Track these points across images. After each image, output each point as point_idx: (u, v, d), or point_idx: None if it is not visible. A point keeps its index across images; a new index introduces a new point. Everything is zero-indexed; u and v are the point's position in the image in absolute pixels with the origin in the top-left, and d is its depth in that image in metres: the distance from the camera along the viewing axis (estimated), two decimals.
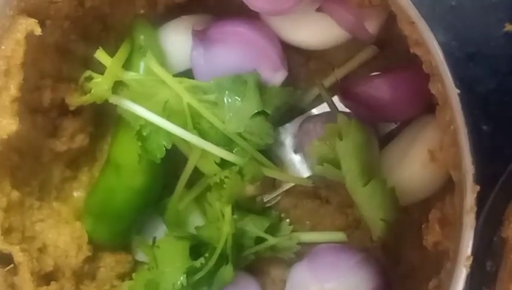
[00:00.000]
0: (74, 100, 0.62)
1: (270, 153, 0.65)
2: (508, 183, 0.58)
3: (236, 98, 0.60)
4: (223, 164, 0.61)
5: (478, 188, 0.45)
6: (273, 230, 0.64)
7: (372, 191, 0.55)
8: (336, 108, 0.59)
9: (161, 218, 0.67)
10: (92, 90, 0.60)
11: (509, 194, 0.56)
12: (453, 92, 0.46)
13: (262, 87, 0.61)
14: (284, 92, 0.62)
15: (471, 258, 0.45)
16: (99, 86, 0.60)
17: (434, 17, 0.69)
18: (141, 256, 0.68)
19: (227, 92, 0.60)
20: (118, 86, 0.61)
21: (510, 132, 0.67)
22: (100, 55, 0.60)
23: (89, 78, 0.61)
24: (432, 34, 0.46)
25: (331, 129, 0.54)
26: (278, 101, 0.61)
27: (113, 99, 0.60)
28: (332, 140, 0.54)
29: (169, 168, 0.65)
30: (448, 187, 0.54)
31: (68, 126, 0.64)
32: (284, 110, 0.64)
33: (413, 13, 0.47)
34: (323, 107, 0.65)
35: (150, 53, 0.61)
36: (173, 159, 0.63)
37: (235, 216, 0.62)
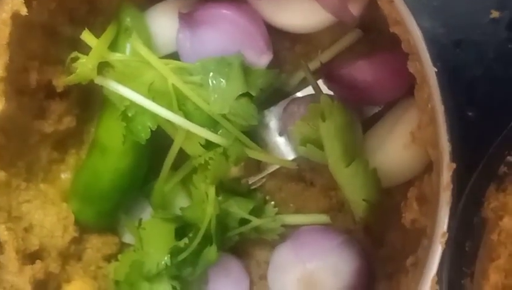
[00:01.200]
0: (61, 81, 0.63)
1: (255, 136, 0.65)
2: (488, 165, 0.58)
3: (221, 79, 0.61)
4: (208, 145, 0.62)
5: (454, 165, 0.46)
6: (257, 212, 0.65)
7: (354, 172, 0.55)
8: (320, 90, 0.60)
9: (147, 200, 0.67)
10: (77, 71, 0.60)
11: (490, 176, 0.56)
12: (431, 70, 0.46)
13: (247, 69, 0.61)
14: (269, 74, 0.63)
15: (447, 235, 0.46)
16: (84, 66, 0.60)
17: (421, 4, 0.69)
18: (127, 238, 0.68)
19: (212, 73, 0.61)
20: (104, 67, 0.62)
21: (495, 118, 0.68)
22: (86, 36, 0.61)
23: (75, 59, 0.61)
24: (410, 12, 0.47)
25: (314, 110, 0.55)
26: (262, 83, 0.62)
27: (98, 80, 0.61)
28: (315, 121, 0.55)
29: (154, 150, 0.65)
30: (427, 168, 0.54)
31: (55, 108, 0.65)
32: (269, 92, 0.64)
33: None
34: (308, 91, 0.65)
35: (136, 34, 0.61)
36: (159, 141, 0.63)
37: (219, 198, 0.62)
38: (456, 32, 0.69)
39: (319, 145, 0.56)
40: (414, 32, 0.47)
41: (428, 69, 0.46)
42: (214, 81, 0.61)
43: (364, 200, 0.56)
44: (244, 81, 0.61)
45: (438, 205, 0.45)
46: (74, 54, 0.61)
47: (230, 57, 0.61)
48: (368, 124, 0.62)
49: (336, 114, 0.55)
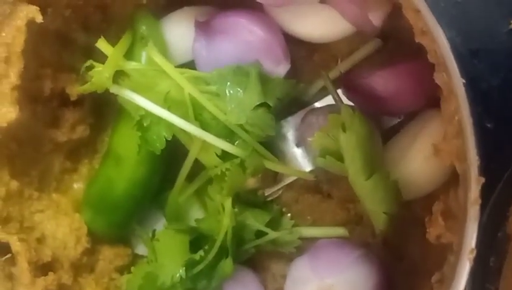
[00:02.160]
0: (75, 90, 0.62)
1: (272, 146, 0.64)
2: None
3: (238, 89, 0.60)
4: (224, 156, 0.61)
5: (483, 180, 0.45)
6: (274, 224, 0.63)
7: (375, 185, 0.54)
8: (341, 100, 0.59)
9: (161, 211, 0.66)
10: (92, 79, 0.59)
11: None
12: (459, 82, 0.45)
13: (264, 79, 0.60)
14: (287, 83, 0.62)
15: (475, 251, 0.44)
16: (100, 75, 0.59)
17: (438, 12, 0.68)
18: (140, 249, 0.67)
19: (229, 83, 0.60)
20: (119, 76, 0.61)
21: None
22: (102, 44, 0.60)
23: (90, 68, 0.60)
24: (437, 23, 0.46)
25: (335, 120, 0.53)
26: (280, 93, 0.61)
27: (114, 89, 0.60)
28: (335, 132, 0.54)
29: (169, 160, 0.64)
30: (452, 181, 0.53)
31: (68, 117, 0.64)
32: (287, 102, 0.63)
33: (419, 1, 0.46)
34: (326, 101, 0.64)
35: (152, 43, 0.60)
36: (174, 150, 0.63)
37: (235, 209, 0.61)
38: (473, 41, 0.68)
39: (339, 157, 0.55)
40: (441, 43, 0.46)
41: (456, 81, 0.45)
42: (231, 91, 0.60)
43: (384, 213, 0.55)
44: (262, 91, 0.60)
45: (465, 220, 0.44)
46: (89, 62, 0.60)
47: (247, 66, 0.60)
48: (388, 135, 0.61)
49: (357, 125, 0.54)
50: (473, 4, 0.68)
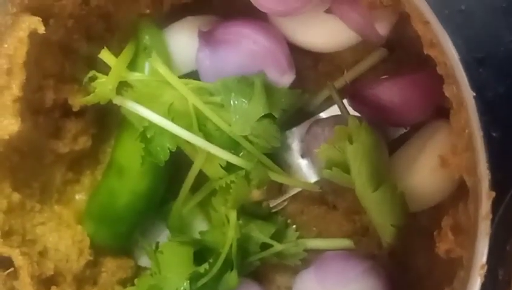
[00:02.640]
0: (78, 100, 0.61)
1: (277, 157, 0.63)
2: None
3: (243, 100, 0.59)
4: (229, 167, 0.60)
5: (493, 194, 0.44)
6: (279, 236, 0.63)
7: (382, 197, 0.54)
8: (347, 110, 0.58)
9: (165, 223, 0.65)
10: (96, 90, 0.59)
11: None
12: (469, 95, 0.45)
13: (269, 89, 0.60)
14: (292, 94, 0.61)
15: (486, 267, 0.44)
16: (103, 86, 0.58)
17: (442, 21, 0.67)
18: (143, 261, 0.66)
19: (233, 93, 0.59)
20: (122, 87, 0.60)
21: None
22: (105, 55, 0.59)
23: (93, 79, 0.59)
24: (447, 35, 0.45)
25: (341, 132, 0.53)
26: (285, 103, 0.60)
27: (117, 100, 0.59)
28: (342, 143, 0.53)
29: (172, 172, 0.63)
30: (459, 194, 0.53)
31: (70, 128, 0.63)
32: (292, 113, 0.62)
33: (428, 13, 0.46)
34: (331, 111, 0.64)
35: (155, 53, 0.59)
36: (177, 162, 0.62)
37: (240, 221, 0.60)
38: (478, 49, 0.67)
39: (345, 169, 0.54)
40: (450, 55, 0.45)
41: (465, 94, 0.44)
42: (236, 102, 0.59)
43: (392, 225, 0.54)
44: (267, 102, 0.59)
45: (476, 235, 0.44)
46: (92, 73, 0.59)
47: (252, 76, 0.60)
48: (394, 146, 0.60)
49: (364, 136, 0.53)
50: (478, 12, 0.67)
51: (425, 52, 0.48)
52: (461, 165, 0.48)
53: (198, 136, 0.59)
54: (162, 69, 0.59)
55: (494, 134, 0.66)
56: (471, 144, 0.45)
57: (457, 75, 0.45)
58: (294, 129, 0.65)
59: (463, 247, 0.48)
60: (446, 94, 0.48)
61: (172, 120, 0.59)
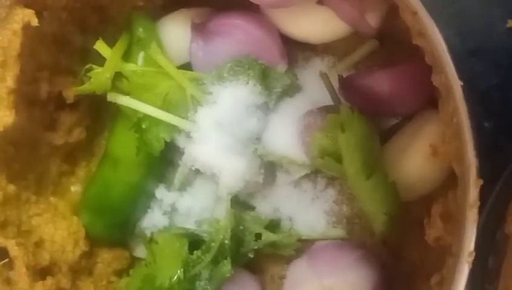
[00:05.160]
0: (72, 92, 0.62)
1: None
2: (510, 179, 0.57)
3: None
4: None
5: (481, 182, 0.45)
6: (272, 226, 0.63)
7: (375, 185, 0.54)
8: (340, 101, 0.59)
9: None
10: (91, 80, 0.59)
11: None
12: (456, 84, 0.45)
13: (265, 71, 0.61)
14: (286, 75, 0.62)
15: (474, 254, 0.44)
16: (99, 76, 0.59)
17: (435, 12, 0.68)
18: (138, 252, 0.67)
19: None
20: (117, 78, 0.61)
21: None
22: (100, 46, 0.60)
23: (89, 70, 0.60)
24: (435, 24, 0.45)
25: (334, 121, 0.53)
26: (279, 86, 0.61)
27: (111, 97, 0.60)
28: (334, 132, 0.54)
29: (166, 162, 0.64)
30: (450, 183, 0.53)
31: (65, 119, 0.64)
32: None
33: (416, 3, 0.46)
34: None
35: (154, 44, 0.60)
36: (171, 151, 0.62)
37: (233, 211, 0.61)
38: (471, 40, 0.68)
39: (338, 158, 0.55)
40: (438, 45, 0.45)
41: (453, 83, 0.45)
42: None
43: (384, 213, 0.55)
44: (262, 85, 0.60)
45: (464, 222, 0.44)
46: (89, 65, 0.60)
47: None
48: (386, 136, 0.60)
49: (356, 125, 0.54)
50: (470, 3, 0.68)
51: (414, 42, 0.49)
52: (450, 153, 0.48)
53: (194, 126, 0.60)
54: (161, 60, 0.60)
55: (486, 124, 0.67)
56: (459, 132, 0.45)
57: (444, 64, 0.45)
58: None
59: (452, 234, 0.48)
60: (434, 83, 0.48)
61: (168, 110, 0.60)
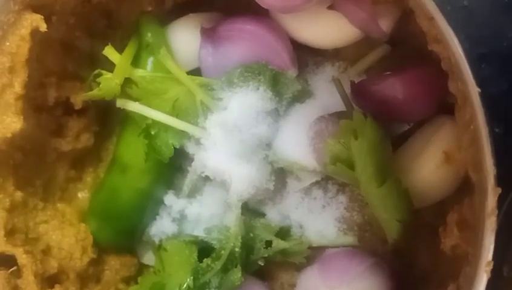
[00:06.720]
0: (80, 98, 0.61)
1: None
2: None
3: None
4: None
5: (499, 190, 0.44)
6: (283, 234, 0.62)
7: (387, 192, 0.53)
8: (352, 105, 0.58)
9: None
10: (101, 86, 0.59)
11: None
12: (474, 90, 0.44)
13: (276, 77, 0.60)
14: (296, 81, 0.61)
15: (492, 263, 0.44)
16: (109, 82, 0.58)
17: (445, 17, 0.67)
18: (147, 259, 0.66)
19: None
20: (126, 84, 0.60)
21: None
22: (109, 51, 0.59)
23: (98, 76, 0.59)
24: (452, 31, 0.45)
25: (346, 127, 0.53)
26: (290, 91, 0.61)
27: (120, 103, 0.59)
28: (347, 138, 0.53)
29: (175, 168, 0.63)
30: (464, 189, 0.52)
31: (72, 125, 0.63)
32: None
33: (432, 9, 0.45)
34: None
35: (164, 50, 0.59)
36: (180, 158, 0.62)
37: (244, 218, 0.60)
38: (481, 45, 0.67)
39: (350, 165, 0.54)
40: (455, 51, 0.45)
41: (471, 89, 0.44)
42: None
43: (397, 220, 0.54)
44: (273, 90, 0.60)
45: (482, 231, 0.43)
46: (97, 70, 0.59)
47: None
48: (398, 142, 0.60)
49: (369, 131, 0.53)
50: (480, 8, 0.67)
51: (430, 48, 0.48)
52: (466, 160, 0.48)
53: (204, 132, 0.59)
54: (171, 65, 0.60)
55: (496, 130, 0.66)
56: (476, 139, 0.44)
57: (462, 70, 0.44)
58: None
59: (469, 243, 0.47)
60: (451, 90, 0.47)
61: (177, 116, 0.59)
